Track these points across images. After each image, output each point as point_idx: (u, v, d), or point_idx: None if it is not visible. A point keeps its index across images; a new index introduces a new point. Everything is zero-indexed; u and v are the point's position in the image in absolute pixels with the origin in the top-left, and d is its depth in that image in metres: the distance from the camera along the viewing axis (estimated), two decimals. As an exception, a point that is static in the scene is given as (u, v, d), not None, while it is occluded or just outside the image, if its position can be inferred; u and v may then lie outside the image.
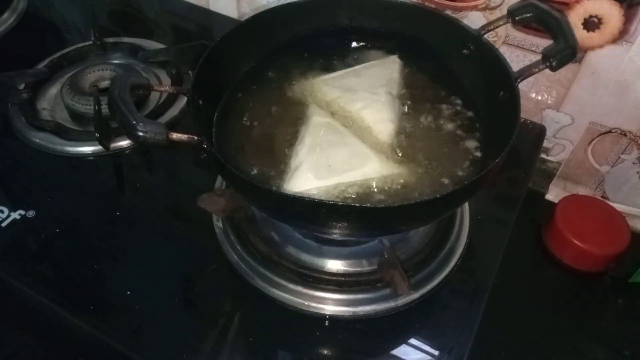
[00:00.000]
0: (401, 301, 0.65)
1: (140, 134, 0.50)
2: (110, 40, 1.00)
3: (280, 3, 0.75)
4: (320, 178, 0.60)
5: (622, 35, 0.73)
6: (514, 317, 0.75)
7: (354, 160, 0.62)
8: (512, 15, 0.66)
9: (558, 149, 0.89)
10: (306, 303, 0.65)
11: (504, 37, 0.82)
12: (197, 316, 0.67)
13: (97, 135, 0.79)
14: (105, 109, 0.73)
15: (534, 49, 0.81)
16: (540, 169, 0.92)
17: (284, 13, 0.74)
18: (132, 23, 1.11)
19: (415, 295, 0.66)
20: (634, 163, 0.84)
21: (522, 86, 0.64)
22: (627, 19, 0.72)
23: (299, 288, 0.65)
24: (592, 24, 0.74)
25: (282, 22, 0.75)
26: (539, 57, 0.61)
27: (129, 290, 0.67)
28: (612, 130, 0.82)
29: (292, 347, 0.64)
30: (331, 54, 0.77)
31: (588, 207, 0.83)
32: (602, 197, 0.90)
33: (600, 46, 0.75)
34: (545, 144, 0.88)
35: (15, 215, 0.74)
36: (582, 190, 0.91)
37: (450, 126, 0.68)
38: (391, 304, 0.65)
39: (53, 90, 0.93)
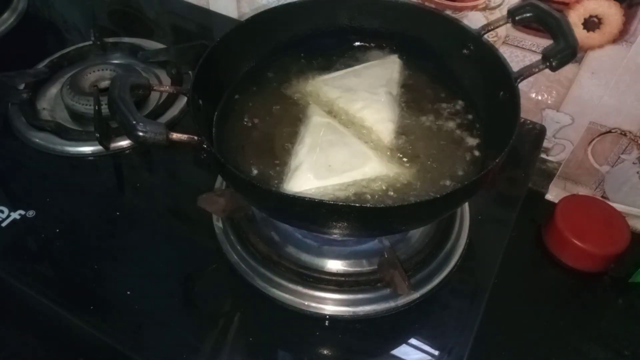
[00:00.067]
0: (401, 301, 0.65)
1: (140, 134, 0.50)
2: (110, 40, 1.00)
3: (280, 3, 0.75)
4: (320, 178, 0.60)
5: (622, 35, 0.73)
6: (514, 317, 0.75)
7: (354, 160, 0.62)
8: (512, 15, 0.66)
9: (558, 149, 0.89)
10: (306, 303, 0.65)
11: (504, 37, 0.82)
12: (197, 316, 0.67)
13: (97, 135, 0.79)
14: (105, 109, 0.73)
15: (534, 49, 0.81)
16: (540, 169, 0.92)
17: (284, 13, 0.74)
18: (132, 23, 1.11)
19: (415, 295, 0.66)
20: (634, 163, 0.84)
21: (522, 86, 0.64)
22: (627, 19, 0.72)
23: (299, 288, 0.65)
24: (592, 24, 0.74)
25: (282, 22, 0.75)
26: (539, 57, 0.61)
27: (129, 290, 0.67)
28: (612, 130, 0.82)
29: (292, 347, 0.64)
30: (331, 54, 0.77)
31: (588, 207, 0.83)
32: (602, 197, 0.90)
33: (600, 46, 0.75)
34: (545, 144, 0.88)
35: (15, 215, 0.74)
36: (582, 190, 0.91)
37: (450, 126, 0.68)
38: (391, 304, 0.65)
39: (53, 90, 0.93)
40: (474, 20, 0.82)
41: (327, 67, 0.76)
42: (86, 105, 0.85)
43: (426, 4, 0.84)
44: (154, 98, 0.91)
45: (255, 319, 0.66)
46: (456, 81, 0.73)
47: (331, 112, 0.69)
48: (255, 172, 0.63)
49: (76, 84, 0.88)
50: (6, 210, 0.74)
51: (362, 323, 0.65)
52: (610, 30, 0.73)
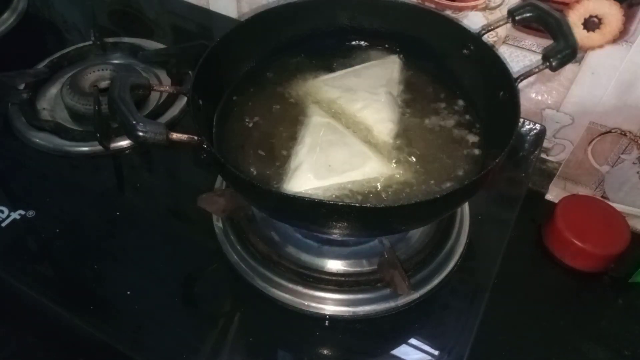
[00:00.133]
0: (401, 301, 0.65)
1: (140, 134, 0.50)
2: (110, 40, 1.00)
3: (280, 3, 0.75)
4: (320, 178, 0.60)
5: (622, 35, 0.73)
6: (514, 317, 0.75)
7: (354, 160, 0.62)
8: (512, 15, 0.66)
9: (558, 149, 0.89)
10: (306, 303, 0.65)
11: (504, 37, 0.82)
12: (197, 316, 0.67)
13: (97, 135, 0.79)
14: (105, 109, 0.73)
15: (534, 49, 0.81)
16: (540, 169, 0.91)
17: (284, 13, 0.74)
18: (132, 23, 1.11)
19: (415, 295, 0.66)
20: (634, 163, 0.84)
21: (522, 86, 0.64)
22: (627, 19, 0.72)
23: (299, 288, 0.65)
24: (592, 24, 0.74)
25: (282, 22, 0.75)
26: (539, 57, 0.61)
27: (129, 290, 0.67)
28: (612, 130, 0.82)
29: (292, 347, 0.64)
30: (331, 54, 0.77)
31: (588, 207, 0.83)
32: (602, 197, 0.90)
33: (600, 46, 0.75)
34: (545, 144, 0.88)
35: (15, 215, 0.74)
36: (582, 190, 0.91)
37: (450, 126, 0.68)
38: (391, 304, 0.65)
39: (53, 90, 0.93)
40: (474, 20, 0.82)
41: (327, 67, 0.76)
42: (86, 105, 0.85)
43: (426, 4, 0.84)
44: (154, 98, 0.91)
45: (255, 319, 0.66)
46: (456, 81, 0.73)
47: (331, 112, 0.69)
48: (255, 172, 0.63)
49: (76, 84, 0.88)
50: (6, 210, 0.74)
51: (362, 323, 0.65)
52: (610, 30, 0.73)
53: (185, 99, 0.88)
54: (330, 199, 0.58)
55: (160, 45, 1.00)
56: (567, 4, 0.74)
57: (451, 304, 0.67)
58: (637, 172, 0.84)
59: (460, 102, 0.71)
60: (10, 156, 0.84)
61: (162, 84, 0.92)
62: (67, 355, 0.76)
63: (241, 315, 0.66)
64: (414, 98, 0.72)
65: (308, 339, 0.64)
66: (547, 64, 0.60)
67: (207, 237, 0.71)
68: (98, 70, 0.92)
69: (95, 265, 0.69)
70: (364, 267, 0.67)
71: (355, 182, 0.61)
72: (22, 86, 0.90)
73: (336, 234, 0.60)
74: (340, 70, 0.75)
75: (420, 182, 0.62)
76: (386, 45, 0.78)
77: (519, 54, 0.82)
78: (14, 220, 0.73)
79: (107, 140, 0.81)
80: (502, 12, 0.78)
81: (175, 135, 0.52)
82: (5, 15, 1.06)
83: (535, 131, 0.87)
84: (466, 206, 0.75)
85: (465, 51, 0.71)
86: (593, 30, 0.74)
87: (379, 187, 0.61)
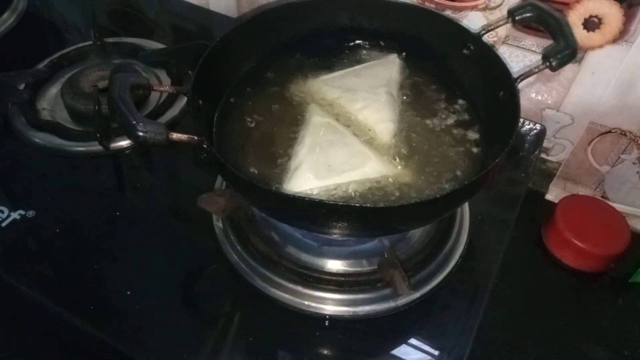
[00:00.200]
0: (401, 301, 0.65)
1: (140, 134, 0.50)
2: (110, 40, 1.00)
3: (280, 3, 0.75)
4: (320, 178, 0.60)
5: (622, 35, 0.73)
6: (514, 317, 0.75)
7: (353, 160, 0.62)
8: (512, 15, 0.66)
9: (558, 149, 0.89)
10: (306, 303, 0.65)
11: (504, 37, 0.81)
12: (197, 316, 0.67)
13: (97, 135, 0.79)
14: (105, 109, 0.73)
15: (534, 49, 0.81)
16: (540, 169, 0.91)
17: (284, 13, 0.74)
18: (132, 23, 1.11)
19: (415, 295, 0.66)
20: (634, 163, 0.84)
21: (522, 86, 0.64)
22: (627, 19, 0.72)
23: (299, 288, 0.65)
24: (592, 24, 0.74)
25: (282, 22, 0.75)
26: (539, 57, 0.61)
27: (129, 290, 0.67)
28: (612, 130, 0.82)
29: (292, 347, 0.64)
30: (331, 54, 0.77)
31: (588, 207, 0.83)
32: (602, 197, 0.90)
33: (600, 46, 0.75)
34: (545, 144, 0.88)
35: (15, 215, 0.74)
36: (582, 190, 0.91)
37: (450, 126, 0.68)
38: (391, 304, 0.65)
39: (53, 90, 0.93)
40: (474, 20, 0.82)
41: (327, 67, 0.76)
42: (86, 105, 0.85)
43: (426, 4, 0.84)
44: (154, 98, 0.91)
45: (255, 319, 0.66)
46: (456, 81, 0.73)
47: (331, 112, 0.69)
48: (255, 172, 0.63)
49: (76, 84, 0.88)
50: (6, 210, 0.74)
51: (362, 323, 0.65)
52: (610, 30, 0.73)
53: (185, 99, 0.88)
54: (330, 199, 0.58)
55: (160, 45, 1.00)
56: (567, 4, 0.74)
57: (451, 304, 0.67)
58: (637, 172, 0.84)
59: (460, 102, 0.71)
60: (10, 156, 0.84)
61: (162, 84, 0.92)
62: (67, 355, 0.76)
63: (241, 315, 0.66)
64: (414, 98, 0.72)
65: (308, 339, 0.64)
66: (547, 64, 0.60)
67: (207, 237, 0.71)
68: (98, 70, 0.92)
69: (95, 265, 0.69)
70: (364, 267, 0.67)
71: (355, 182, 0.61)
72: (22, 86, 0.90)
73: (336, 234, 0.60)
74: (340, 70, 0.75)
75: (420, 182, 0.62)
76: (386, 45, 0.78)
77: (519, 54, 0.82)
78: (14, 220, 0.73)
79: (107, 140, 0.81)
80: (502, 12, 0.78)
81: (175, 135, 0.52)
82: (5, 15, 1.06)
83: (535, 131, 0.87)
84: (466, 206, 0.75)
85: (465, 51, 0.71)
86: (593, 30, 0.74)
87: (379, 187, 0.61)
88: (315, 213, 0.53)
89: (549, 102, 0.85)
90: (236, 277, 0.68)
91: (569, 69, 0.79)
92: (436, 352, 0.63)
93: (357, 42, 0.79)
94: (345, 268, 0.67)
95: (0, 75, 0.89)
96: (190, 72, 0.92)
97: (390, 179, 0.62)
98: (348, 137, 0.65)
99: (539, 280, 0.80)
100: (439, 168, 0.63)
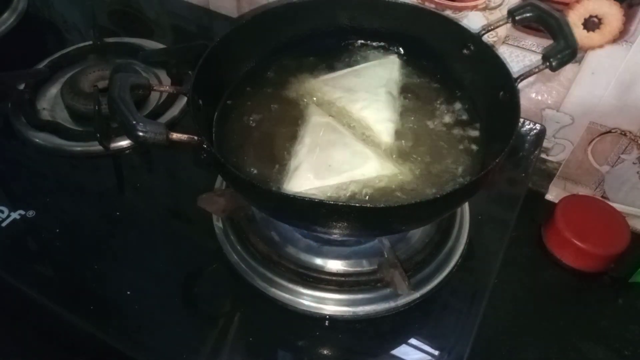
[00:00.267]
0: (401, 301, 0.65)
1: (140, 134, 0.50)
2: (110, 40, 1.00)
3: (280, 3, 0.75)
4: (320, 178, 0.60)
5: (622, 35, 0.73)
6: (514, 317, 0.75)
7: (353, 160, 0.62)
8: (512, 15, 0.66)
9: (558, 149, 0.89)
10: (306, 303, 0.65)
11: (504, 37, 0.81)
12: (197, 316, 0.67)
13: (97, 135, 0.79)
14: (105, 109, 0.73)
15: (534, 49, 0.81)
16: (540, 169, 0.91)
17: (284, 13, 0.74)
18: (132, 23, 1.11)
19: (415, 295, 0.66)
20: (634, 163, 0.84)
21: (522, 86, 0.64)
22: (627, 19, 0.72)
23: (299, 288, 0.65)
24: (592, 24, 0.74)
25: (282, 22, 0.75)
26: (539, 57, 0.61)
27: (129, 290, 0.67)
28: (612, 130, 0.82)
29: (292, 347, 0.64)
30: (331, 54, 0.77)
31: (588, 207, 0.83)
32: (602, 197, 0.90)
33: (600, 46, 0.75)
34: (545, 144, 0.88)
35: (15, 215, 0.74)
36: (582, 190, 0.91)
37: (450, 126, 0.68)
38: (391, 304, 0.65)
39: (53, 90, 0.93)
40: (474, 20, 0.82)
41: (327, 67, 0.76)
42: (86, 105, 0.85)
43: (426, 4, 0.84)
44: (154, 98, 0.91)
45: (255, 319, 0.66)
46: (456, 81, 0.73)
47: (331, 112, 0.69)
48: (255, 172, 0.62)
49: (76, 84, 0.88)
50: (6, 210, 0.74)
51: (362, 323, 0.65)
52: (610, 30, 0.73)
53: (185, 99, 0.88)
54: (330, 199, 0.58)
55: (160, 45, 1.00)
56: (567, 4, 0.74)
57: (451, 304, 0.67)
58: (637, 172, 0.84)
59: (460, 102, 0.71)
60: (10, 156, 0.84)
61: (162, 84, 0.92)
62: (67, 355, 0.76)
63: (241, 315, 0.66)
64: (414, 98, 0.72)
65: (308, 339, 0.64)
66: (547, 64, 0.60)
67: (207, 237, 0.71)
68: (98, 70, 0.92)
69: (95, 265, 0.69)
70: (364, 267, 0.67)
71: (355, 182, 0.61)
72: (22, 86, 0.90)
73: (336, 234, 0.60)
74: (340, 70, 0.75)
75: (420, 181, 0.62)
76: (386, 45, 0.78)
77: (519, 54, 0.82)
78: (14, 220, 0.73)
79: (107, 140, 0.81)
80: (502, 12, 0.78)
81: (175, 135, 0.52)
82: (5, 15, 1.06)
83: (535, 131, 0.87)
84: (466, 206, 0.75)
85: (465, 51, 0.71)
86: (593, 30, 0.74)
87: (379, 187, 0.61)
88: (315, 213, 0.53)
89: (549, 102, 0.85)
90: (236, 277, 0.68)
91: (569, 69, 0.79)
92: (436, 352, 0.63)
93: (357, 42, 0.79)
94: (345, 268, 0.67)
95: (1, 75, 0.89)
96: (190, 72, 0.92)
97: (390, 179, 0.61)
98: (348, 137, 0.65)
99: (539, 280, 0.80)
100: (439, 168, 0.63)
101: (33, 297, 0.67)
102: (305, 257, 0.68)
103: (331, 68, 0.76)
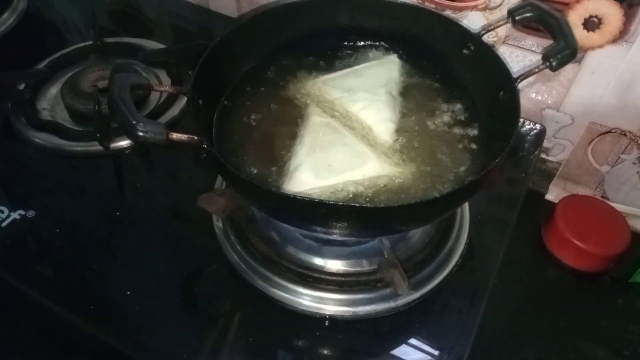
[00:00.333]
0: (401, 301, 0.65)
1: (140, 134, 0.50)
2: (110, 40, 1.00)
3: (280, 3, 0.75)
4: (320, 178, 0.60)
5: (622, 35, 0.73)
6: (514, 317, 0.75)
7: (353, 160, 0.62)
8: (512, 16, 0.66)
9: (558, 149, 0.89)
10: (306, 303, 0.65)
11: (504, 37, 0.81)
12: (197, 316, 0.67)
13: (97, 135, 0.79)
14: (105, 109, 0.73)
15: (534, 49, 0.81)
16: (540, 169, 0.91)
17: (284, 13, 0.74)
18: (132, 23, 1.11)
19: (415, 295, 0.66)
20: (634, 163, 0.84)
21: (522, 86, 0.64)
22: (627, 19, 0.72)
23: (299, 288, 0.65)
24: (592, 24, 0.74)
25: (282, 22, 0.75)
26: (539, 57, 0.61)
27: (129, 290, 0.67)
28: (612, 130, 0.82)
29: (292, 347, 0.64)
30: (331, 54, 0.77)
31: (588, 207, 0.83)
32: (602, 197, 0.90)
33: (600, 46, 0.75)
34: (545, 144, 0.88)
35: (15, 215, 0.74)
36: (582, 190, 0.91)
37: (450, 126, 0.68)
38: (391, 304, 0.65)
39: (53, 90, 0.93)
40: (474, 20, 0.82)
41: (327, 67, 0.76)
42: (86, 105, 0.85)
43: (426, 4, 0.84)
44: (154, 98, 0.91)
45: (255, 319, 0.66)
46: (456, 81, 0.73)
47: (331, 112, 0.69)
48: (255, 172, 0.63)
49: (76, 84, 0.88)
50: (6, 210, 0.74)
51: (362, 323, 0.65)
52: (610, 30, 0.73)
53: (185, 99, 0.88)
54: (330, 199, 0.58)
55: (160, 45, 1.00)
56: (567, 4, 0.74)
57: (451, 304, 0.67)
58: (637, 172, 0.84)
59: (460, 102, 0.71)
60: (10, 156, 0.84)
61: (162, 84, 0.92)
62: (67, 355, 0.76)
63: (241, 315, 0.66)
64: (414, 98, 0.72)
65: (308, 339, 0.64)
66: (547, 64, 0.60)
67: (207, 237, 0.71)
68: (98, 70, 0.92)
69: (95, 265, 0.69)
70: (364, 267, 0.67)
71: (355, 182, 0.61)
72: (22, 86, 0.90)
73: (336, 234, 0.60)
74: (340, 70, 0.75)
75: (420, 181, 0.62)
76: (386, 45, 0.78)
77: (519, 54, 0.82)
78: (14, 220, 0.73)
79: (107, 140, 0.81)
80: (502, 12, 0.78)
81: (175, 135, 0.52)
82: (5, 15, 1.06)
83: (535, 131, 0.87)
84: (466, 206, 0.75)
85: (465, 51, 0.71)
86: (593, 30, 0.74)
87: (379, 187, 0.61)
88: (315, 213, 0.53)
89: (549, 102, 0.85)
90: (236, 277, 0.68)
91: (569, 69, 0.79)
92: (436, 352, 0.63)
93: (357, 42, 0.79)
94: (345, 268, 0.67)
95: (1, 75, 0.89)
96: (190, 72, 0.92)
97: (390, 179, 0.61)
98: (348, 137, 0.65)
99: (539, 280, 0.80)
100: (439, 168, 0.63)
101: (33, 297, 0.67)
102: (305, 257, 0.68)
103: (331, 68, 0.76)
